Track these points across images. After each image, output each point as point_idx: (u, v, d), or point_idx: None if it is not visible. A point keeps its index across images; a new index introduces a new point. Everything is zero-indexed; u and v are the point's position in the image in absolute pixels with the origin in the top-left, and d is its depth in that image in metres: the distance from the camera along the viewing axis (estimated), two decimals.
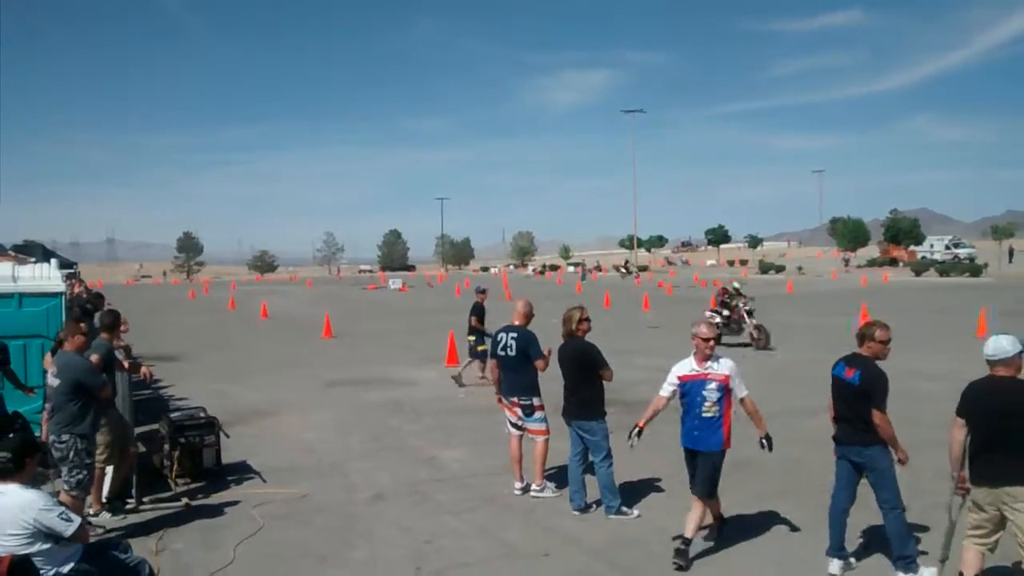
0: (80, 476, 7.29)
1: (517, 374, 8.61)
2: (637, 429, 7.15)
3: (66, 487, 7.26)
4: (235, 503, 8.63)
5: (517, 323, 8.82)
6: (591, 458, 8.14)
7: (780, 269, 78.35)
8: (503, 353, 8.66)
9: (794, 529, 7.60)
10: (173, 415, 10.01)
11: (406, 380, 16.47)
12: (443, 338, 20.36)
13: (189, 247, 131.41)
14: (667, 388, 7.04)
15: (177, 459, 9.19)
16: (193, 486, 9.17)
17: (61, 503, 5.13)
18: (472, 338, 15.96)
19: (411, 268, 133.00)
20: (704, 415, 6.84)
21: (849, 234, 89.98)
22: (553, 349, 8.60)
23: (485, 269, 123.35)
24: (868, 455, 6.35)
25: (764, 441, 7.00)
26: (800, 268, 78.47)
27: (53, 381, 7.32)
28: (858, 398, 6.35)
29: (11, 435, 5.42)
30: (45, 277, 11.84)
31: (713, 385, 6.81)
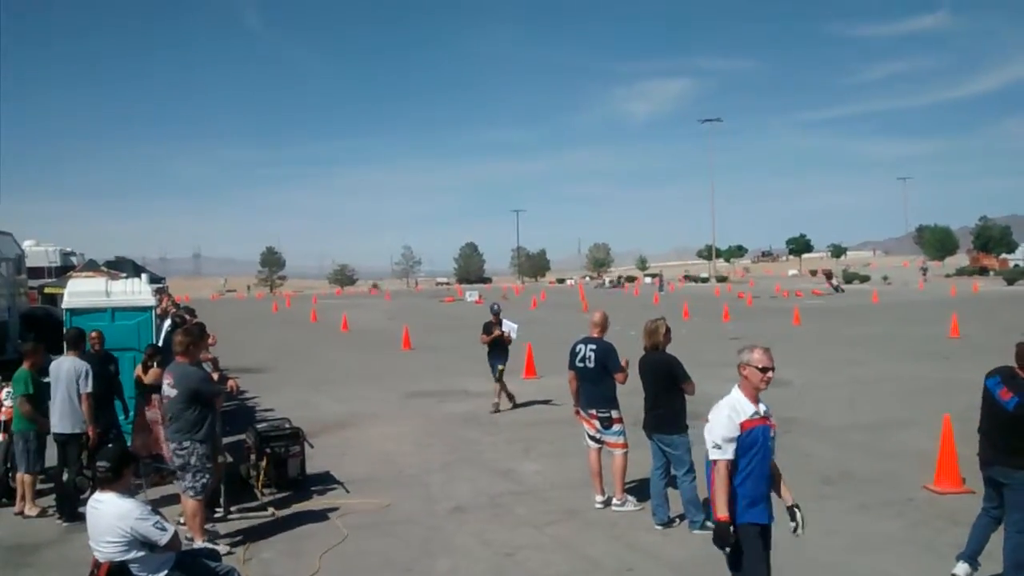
0: (203, 480, 7.57)
1: (595, 386, 8.57)
2: (731, 529, 4.79)
3: (190, 492, 7.53)
4: (319, 513, 8.77)
5: (595, 334, 8.78)
6: (673, 472, 8.04)
7: (865, 279, 76.40)
8: (581, 365, 8.63)
9: (886, 544, 7.37)
10: (259, 426, 10.24)
11: (483, 392, 16.49)
12: (520, 350, 20.38)
13: (272, 261, 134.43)
14: (728, 448, 4.77)
15: (263, 469, 9.39)
16: (279, 495, 9.35)
17: (156, 512, 5.26)
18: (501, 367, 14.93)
19: (487, 280, 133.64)
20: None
21: (937, 243, 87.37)
22: (632, 361, 8.53)
23: (561, 281, 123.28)
24: (1015, 479, 6.09)
25: (796, 511, 5.08)
26: (886, 278, 76.34)
27: (170, 391, 7.59)
28: (1011, 425, 6.07)
29: (109, 445, 5.60)
30: (136, 292, 12.27)
31: (772, 433, 4.98)
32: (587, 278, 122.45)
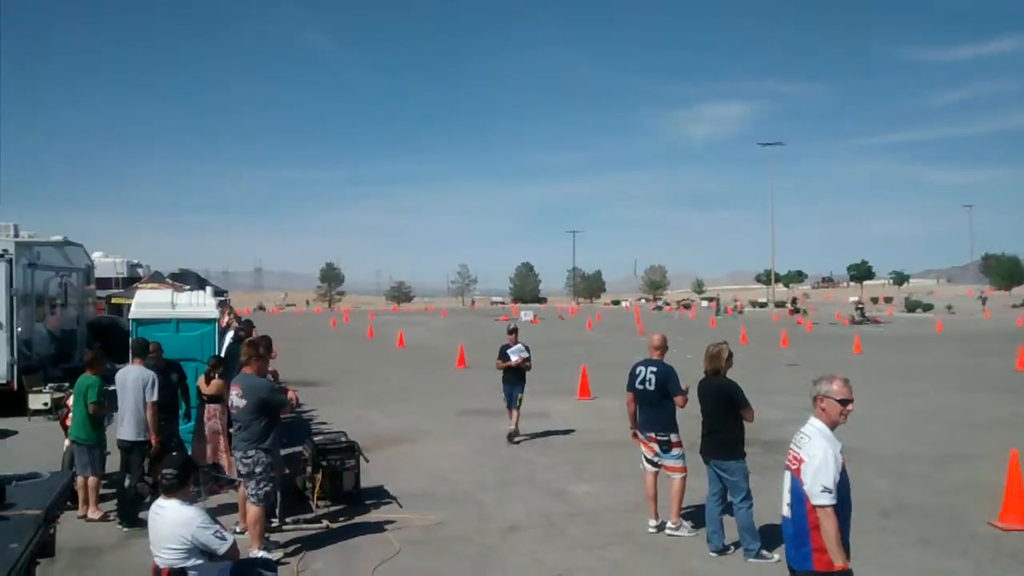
0: (267, 489, 7.73)
1: (655, 409, 8.49)
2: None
3: (253, 500, 7.68)
4: (373, 526, 8.82)
5: (655, 356, 8.72)
6: (730, 498, 7.91)
7: (928, 307, 74.65)
8: (641, 387, 8.57)
9: None
10: (316, 438, 10.34)
11: (538, 412, 16.45)
12: (575, 371, 20.35)
13: (331, 277, 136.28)
14: (835, 491, 4.35)
15: (319, 481, 9.47)
16: (333, 508, 9.42)
17: (216, 521, 5.34)
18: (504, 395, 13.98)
19: (543, 300, 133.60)
20: None
21: (1004, 271, 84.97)
22: (690, 384, 8.45)
23: (616, 302, 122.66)
24: None
25: None
26: (949, 307, 74.45)
27: (239, 402, 7.74)
28: None
29: (173, 453, 5.71)
30: (200, 304, 12.54)
31: None
32: (642, 300, 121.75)
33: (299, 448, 10.71)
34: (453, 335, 42.13)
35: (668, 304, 63.17)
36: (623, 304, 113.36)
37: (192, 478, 5.43)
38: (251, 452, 7.67)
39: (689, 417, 8.49)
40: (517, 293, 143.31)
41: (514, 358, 13.70)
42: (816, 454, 4.41)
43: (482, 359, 28.61)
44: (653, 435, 8.54)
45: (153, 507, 5.30)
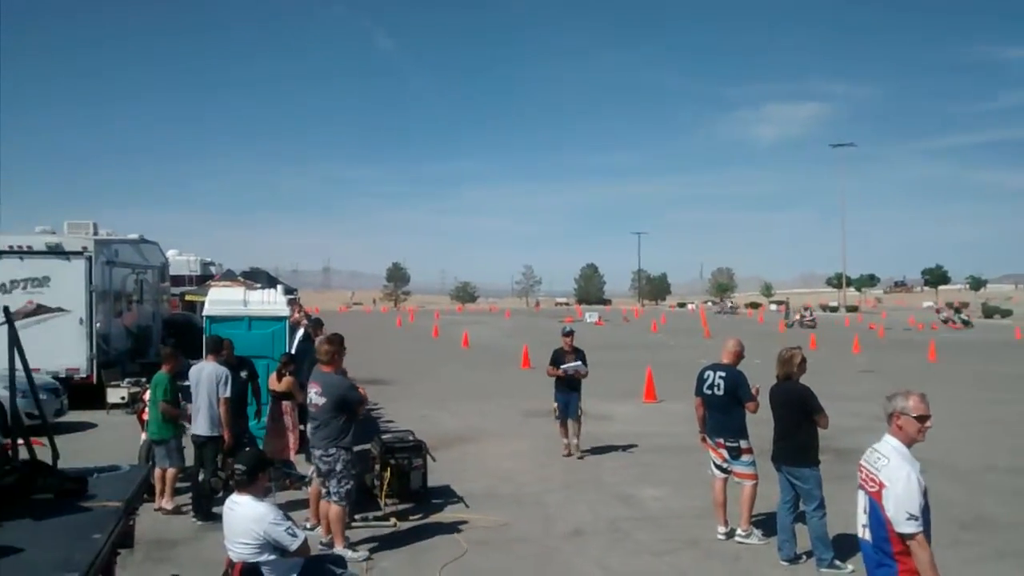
0: (347, 487, 7.80)
1: (724, 414, 8.37)
2: None
3: (334, 498, 7.76)
4: (439, 526, 8.87)
5: (726, 361, 8.58)
6: (802, 506, 7.75)
7: (1007, 313, 72.28)
8: (709, 392, 8.45)
9: None
10: (384, 437, 10.43)
11: (603, 414, 16.35)
12: (640, 373, 20.19)
13: (397, 276, 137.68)
14: (920, 517, 4.20)
15: (387, 480, 9.55)
16: (401, 506, 9.49)
17: (288, 518, 5.41)
18: (555, 404, 12.90)
19: (607, 302, 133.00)
20: None
21: None
22: (761, 389, 8.30)
23: (682, 305, 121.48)
24: None
25: None
26: None
27: (318, 399, 7.83)
28: None
29: (246, 449, 5.80)
30: (271, 302, 12.77)
31: None
32: (709, 303, 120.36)
33: (367, 446, 10.81)
34: (517, 336, 42.17)
35: (728, 308, 61.19)
36: (689, 307, 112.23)
37: (266, 474, 5.51)
38: (331, 450, 7.75)
39: (759, 422, 8.33)
40: (581, 294, 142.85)
41: (570, 368, 12.53)
42: (898, 478, 4.22)
43: (546, 360, 28.50)
44: (722, 441, 8.41)
45: (227, 502, 5.39)
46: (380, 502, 9.48)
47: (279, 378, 10.56)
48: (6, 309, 5.35)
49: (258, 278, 27.86)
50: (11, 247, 16.53)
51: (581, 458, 12.42)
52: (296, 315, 14.35)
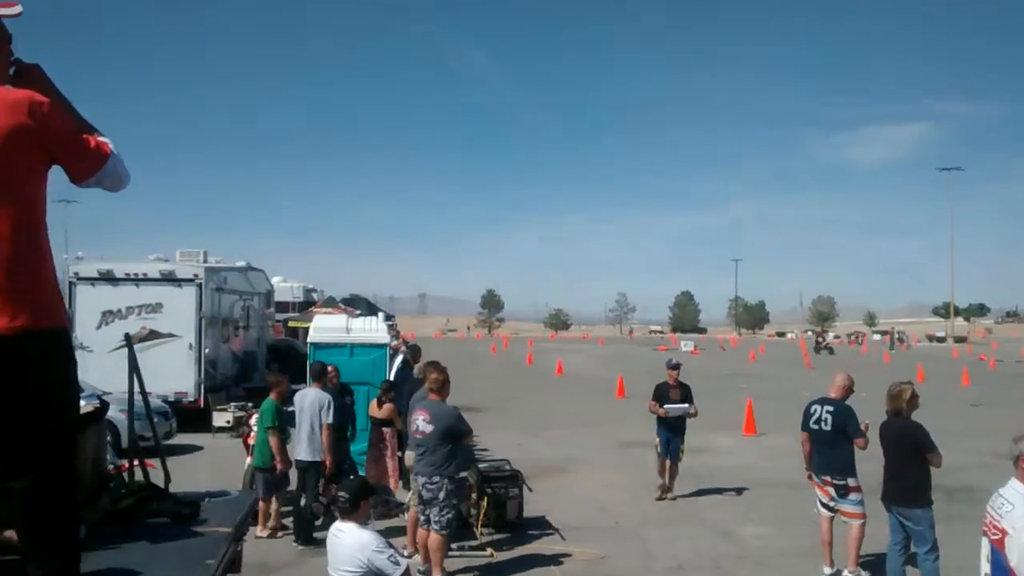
0: (449, 516, 7.83)
1: (831, 450, 8.10)
2: None
3: (435, 527, 7.79)
4: (536, 558, 8.81)
5: (834, 396, 8.33)
6: (914, 548, 7.41)
7: None
8: (816, 427, 8.20)
9: None
10: (480, 465, 10.44)
11: (702, 447, 16.03)
12: (738, 405, 19.74)
13: (492, 303, 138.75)
14: None
15: (483, 509, 9.54)
16: (497, 536, 9.47)
17: (391, 546, 5.44)
18: (657, 440, 11.88)
19: (702, 331, 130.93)
20: None
21: None
22: (871, 425, 8.01)
23: (781, 334, 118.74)
24: None
25: None
26: None
27: (426, 427, 7.90)
28: None
29: (351, 477, 5.88)
30: (373, 329, 12.99)
31: None
32: (809, 332, 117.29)
33: (464, 474, 10.84)
34: (612, 364, 41.84)
35: (825, 345, 59.19)
36: (788, 336, 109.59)
37: (369, 502, 5.56)
38: (435, 478, 7.78)
39: (867, 459, 8.04)
40: (676, 322, 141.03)
41: (674, 412, 11.62)
42: (1018, 526, 4.04)
43: (642, 390, 28.10)
44: (829, 478, 8.14)
45: (332, 529, 5.46)
46: (476, 531, 9.47)
47: (379, 405, 10.70)
48: (127, 335, 5.56)
49: (358, 305, 28.42)
50: (127, 274, 17.26)
51: (673, 499, 11.66)
52: (396, 342, 14.59)
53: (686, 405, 11.71)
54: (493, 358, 50.23)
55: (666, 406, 11.62)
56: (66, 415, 2.79)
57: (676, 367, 12.19)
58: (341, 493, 5.42)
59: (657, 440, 11.79)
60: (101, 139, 2.88)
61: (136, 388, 6.26)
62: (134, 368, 5.97)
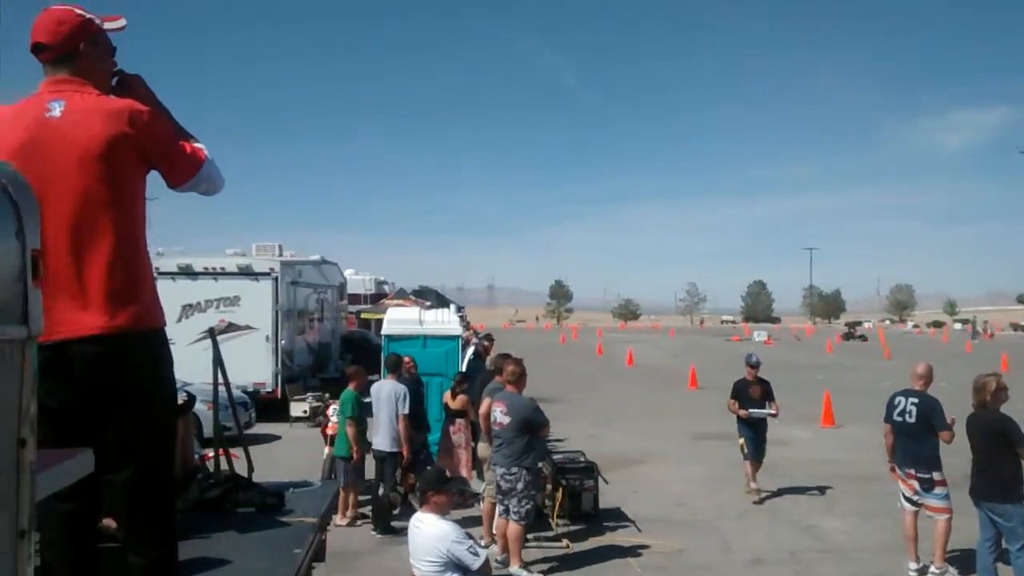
0: (527, 507, 7.91)
1: (916, 444, 7.87)
2: None
3: (514, 517, 7.87)
4: (612, 550, 8.78)
5: (918, 387, 8.10)
6: (1005, 545, 7.17)
7: None
8: (900, 419, 7.98)
9: None
10: (555, 457, 10.44)
11: (778, 439, 15.72)
12: (816, 396, 19.36)
13: (560, 294, 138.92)
14: None
15: (559, 500, 9.54)
16: (572, 528, 9.46)
17: (470, 537, 5.48)
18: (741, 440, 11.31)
19: (776, 320, 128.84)
20: None
21: None
22: (956, 418, 7.78)
23: (857, 323, 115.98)
24: None
25: None
26: None
27: (503, 419, 7.98)
28: None
29: (428, 468, 5.93)
30: (445, 321, 13.09)
31: None
32: (886, 321, 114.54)
33: (538, 465, 10.86)
34: (683, 355, 41.47)
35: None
36: (865, 325, 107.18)
37: (448, 492, 5.60)
38: (513, 469, 7.85)
39: (951, 452, 7.81)
40: (748, 312, 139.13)
41: (760, 413, 11.17)
42: None
43: (715, 380, 27.88)
44: (913, 472, 7.91)
45: (412, 520, 5.53)
46: (552, 522, 9.47)
47: (453, 396, 10.78)
48: (211, 330, 5.70)
49: (427, 296, 28.76)
50: (206, 268, 17.71)
51: (759, 502, 10.92)
52: (467, 333, 14.67)
53: (771, 410, 11.25)
54: (563, 348, 50.22)
55: (750, 410, 11.11)
56: (164, 412, 2.88)
57: (756, 365, 11.62)
58: (421, 484, 5.48)
59: (742, 440, 11.20)
60: (197, 145, 2.97)
61: (219, 380, 6.43)
62: (218, 361, 6.12)
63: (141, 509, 2.75)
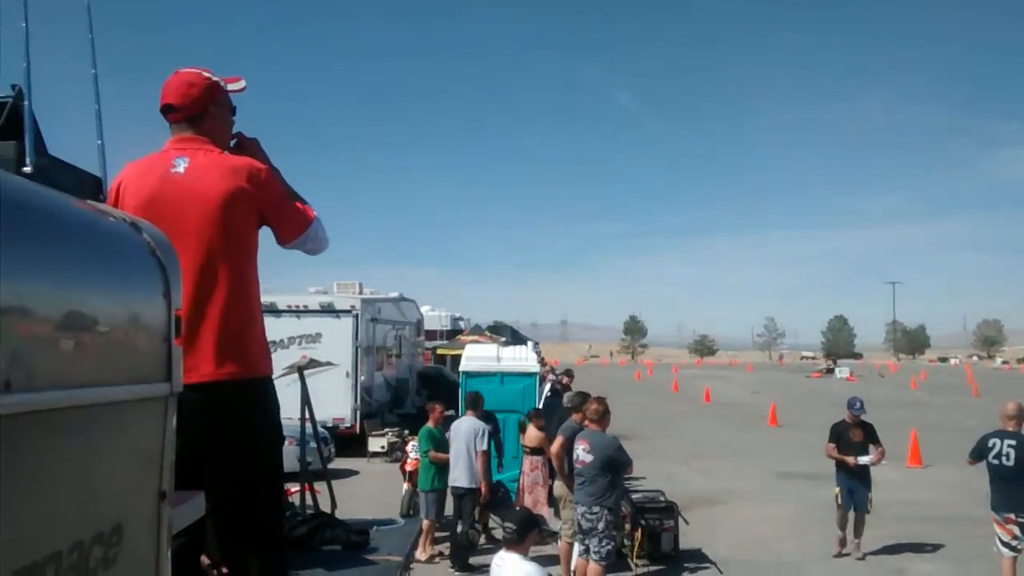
0: (608, 547, 7.84)
1: (1015, 487, 7.62)
2: None
3: (595, 557, 7.81)
4: None
5: (1011, 428, 7.83)
6: None
7: None
8: (996, 461, 7.73)
9: None
10: (634, 496, 10.34)
11: None
12: (903, 435, 18.75)
13: (634, 329, 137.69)
14: None
15: (638, 540, 9.43)
16: (652, 568, 9.35)
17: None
18: (838, 490, 10.32)
19: (858, 356, 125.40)
20: None
21: None
22: None
23: (944, 359, 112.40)
24: None
25: None
26: None
27: (586, 456, 7.95)
28: None
29: (517, 509, 5.94)
30: (523, 358, 13.13)
31: None
32: (974, 357, 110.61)
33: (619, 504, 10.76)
34: (762, 391, 40.67)
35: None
36: (952, 361, 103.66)
37: (534, 534, 5.61)
38: (595, 508, 7.79)
39: None
40: (829, 348, 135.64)
41: (865, 461, 10.17)
42: None
43: (796, 418, 27.36)
44: (1013, 516, 7.63)
45: (495, 559, 5.54)
46: (631, 563, 9.36)
47: (523, 430, 10.79)
48: (300, 369, 5.85)
49: (502, 332, 28.82)
50: (289, 307, 18.12)
51: (862, 559, 10.07)
52: (543, 369, 14.69)
53: (871, 456, 10.25)
54: (638, 385, 49.73)
55: (859, 458, 10.10)
56: (272, 458, 2.96)
57: (859, 412, 10.38)
58: (508, 524, 5.50)
59: (838, 490, 10.27)
60: (306, 206, 3.10)
61: (306, 416, 6.56)
62: (306, 400, 6.27)
63: (253, 554, 2.82)
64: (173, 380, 1.33)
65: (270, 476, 2.93)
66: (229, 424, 2.74)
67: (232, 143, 3.10)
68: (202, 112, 2.94)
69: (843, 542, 10.21)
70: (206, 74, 2.98)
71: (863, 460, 10.10)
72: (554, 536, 9.78)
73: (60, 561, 1.03)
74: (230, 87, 3.05)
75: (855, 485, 10.08)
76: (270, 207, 2.95)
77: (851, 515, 10.14)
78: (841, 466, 10.18)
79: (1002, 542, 7.79)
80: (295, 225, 3.02)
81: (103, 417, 1.15)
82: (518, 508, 7.14)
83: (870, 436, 10.30)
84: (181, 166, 2.83)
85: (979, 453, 8.06)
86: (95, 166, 3.62)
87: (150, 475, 1.29)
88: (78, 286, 1.11)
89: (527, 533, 5.43)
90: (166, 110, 2.96)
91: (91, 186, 2.08)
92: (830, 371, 64.35)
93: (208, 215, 2.78)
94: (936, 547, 10.54)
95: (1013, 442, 7.67)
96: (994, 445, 7.80)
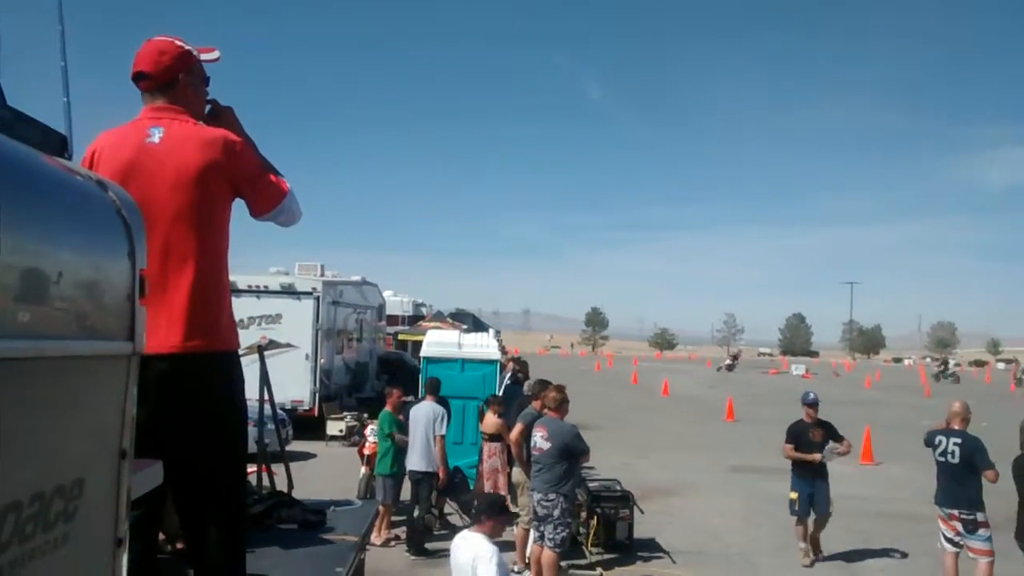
0: (563, 534, 7.87)
1: (958, 484, 7.79)
2: None
3: (550, 544, 7.83)
4: None
5: (956, 426, 8.01)
6: None
7: None
8: (942, 459, 7.90)
9: None
10: (591, 484, 10.42)
11: None
12: (856, 432, 19.06)
13: (596, 321, 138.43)
14: None
15: (593, 528, 9.52)
16: (606, 557, 9.42)
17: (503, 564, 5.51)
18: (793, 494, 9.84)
19: (814, 354, 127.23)
20: None
21: None
22: (999, 460, 7.68)
23: (898, 360, 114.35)
24: None
25: None
26: None
27: (543, 444, 7.99)
28: None
29: (488, 492, 5.92)
30: (484, 345, 13.14)
31: None
32: (927, 359, 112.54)
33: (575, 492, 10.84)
34: (720, 386, 41.12)
35: (948, 372, 55.65)
36: (906, 362, 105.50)
37: (502, 518, 5.64)
38: (551, 495, 7.83)
39: (992, 494, 7.71)
40: (786, 345, 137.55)
41: (831, 456, 9.75)
42: None
43: (752, 413, 27.69)
44: (956, 512, 7.81)
45: (456, 538, 5.57)
46: (585, 551, 9.45)
47: (481, 417, 10.82)
48: (260, 348, 5.81)
49: (464, 320, 28.77)
50: (249, 286, 17.93)
51: (811, 565, 9.60)
52: (504, 358, 14.70)
53: (836, 444, 9.78)
54: (598, 376, 49.96)
55: (825, 450, 9.62)
56: (236, 431, 2.94)
57: (814, 404, 10.07)
58: (479, 506, 5.52)
59: (795, 495, 9.69)
60: (280, 178, 3.07)
61: (263, 397, 6.52)
62: (265, 380, 6.23)
63: (209, 527, 2.79)
64: (136, 339, 1.32)
65: (233, 450, 2.92)
66: (195, 396, 2.73)
67: (207, 110, 3.07)
68: (173, 81, 2.91)
69: (806, 551, 9.71)
70: (178, 43, 2.94)
71: (827, 454, 9.62)
72: (511, 521, 9.83)
73: (20, 510, 1.03)
74: (203, 57, 3.02)
75: (816, 487, 9.63)
76: (244, 180, 2.93)
77: (810, 520, 9.78)
78: (798, 469, 9.76)
79: (945, 538, 7.97)
80: (269, 198, 3.00)
81: (64, 370, 1.15)
82: (486, 493, 7.17)
83: (830, 434, 9.89)
84: (156, 136, 2.81)
85: (927, 444, 8.24)
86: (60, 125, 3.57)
87: (111, 432, 1.29)
88: (43, 240, 1.11)
89: (494, 516, 5.46)
90: (137, 78, 2.92)
91: (57, 143, 2.06)
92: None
93: (183, 187, 2.76)
94: (884, 542, 10.75)
95: (959, 440, 7.84)
96: (940, 442, 7.97)
